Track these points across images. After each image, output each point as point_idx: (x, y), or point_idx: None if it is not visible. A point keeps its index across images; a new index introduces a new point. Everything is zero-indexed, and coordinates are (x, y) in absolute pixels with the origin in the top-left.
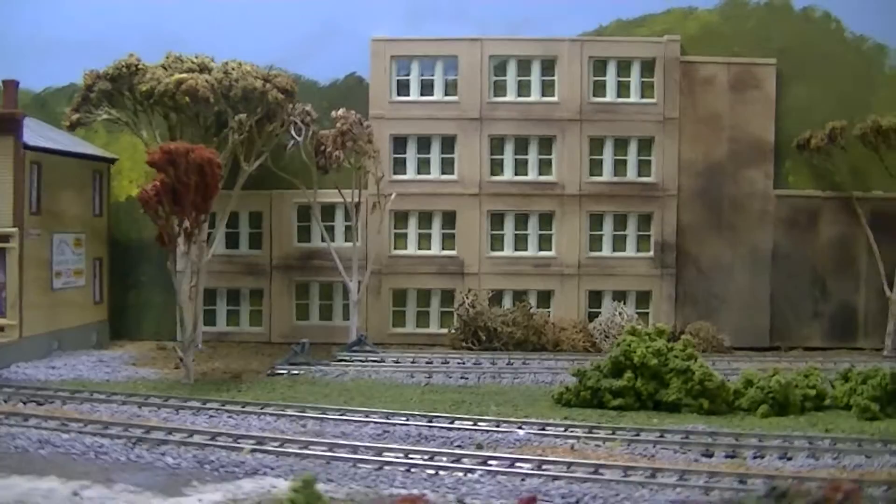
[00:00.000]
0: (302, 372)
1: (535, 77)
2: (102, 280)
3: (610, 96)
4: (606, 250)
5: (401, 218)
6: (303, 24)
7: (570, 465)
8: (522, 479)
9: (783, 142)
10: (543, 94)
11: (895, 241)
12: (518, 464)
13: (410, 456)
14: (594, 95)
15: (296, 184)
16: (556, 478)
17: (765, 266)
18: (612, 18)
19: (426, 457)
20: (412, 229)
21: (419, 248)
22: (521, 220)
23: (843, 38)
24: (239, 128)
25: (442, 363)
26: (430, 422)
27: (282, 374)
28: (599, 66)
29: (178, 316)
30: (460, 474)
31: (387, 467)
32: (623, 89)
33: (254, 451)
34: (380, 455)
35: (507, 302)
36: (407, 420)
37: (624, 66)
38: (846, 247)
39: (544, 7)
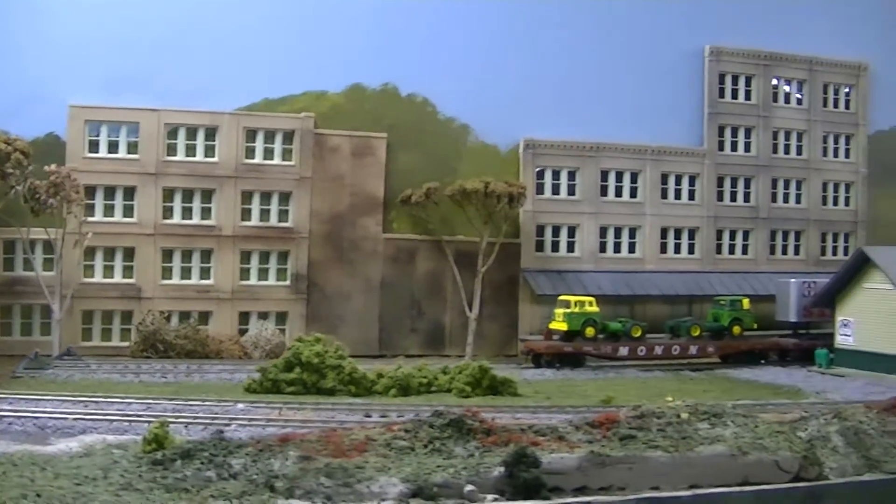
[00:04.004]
0: (38, 375)
1: (201, 142)
2: None
3: (258, 159)
4: (253, 280)
5: (89, 252)
6: (9, 85)
7: (287, 420)
8: (263, 428)
9: (391, 197)
10: (206, 156)
11: (473, 274)
12: (255, 420)
13: (197, 419)
14: (246, 158)
15: (10, 222)
16: (284, 427)
17: (375, 292)
18: (261, 97)
19: (193, 418)
20: (98, 262)
21: (104, 277)
22: (187, 255)
23: (437, 119)
24: None
25: (136, 367)
26: (171, 401)
27: (21, 376)
28: (251, 134)
29: None
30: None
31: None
32: (269, 154)
33: (77, 418)
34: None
35: (175, 321)
36: (158, 401)
37: (270, 136)
38: (437, 278)
39: (210, 83)
